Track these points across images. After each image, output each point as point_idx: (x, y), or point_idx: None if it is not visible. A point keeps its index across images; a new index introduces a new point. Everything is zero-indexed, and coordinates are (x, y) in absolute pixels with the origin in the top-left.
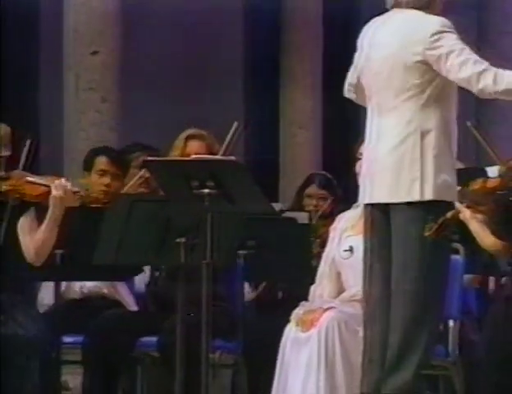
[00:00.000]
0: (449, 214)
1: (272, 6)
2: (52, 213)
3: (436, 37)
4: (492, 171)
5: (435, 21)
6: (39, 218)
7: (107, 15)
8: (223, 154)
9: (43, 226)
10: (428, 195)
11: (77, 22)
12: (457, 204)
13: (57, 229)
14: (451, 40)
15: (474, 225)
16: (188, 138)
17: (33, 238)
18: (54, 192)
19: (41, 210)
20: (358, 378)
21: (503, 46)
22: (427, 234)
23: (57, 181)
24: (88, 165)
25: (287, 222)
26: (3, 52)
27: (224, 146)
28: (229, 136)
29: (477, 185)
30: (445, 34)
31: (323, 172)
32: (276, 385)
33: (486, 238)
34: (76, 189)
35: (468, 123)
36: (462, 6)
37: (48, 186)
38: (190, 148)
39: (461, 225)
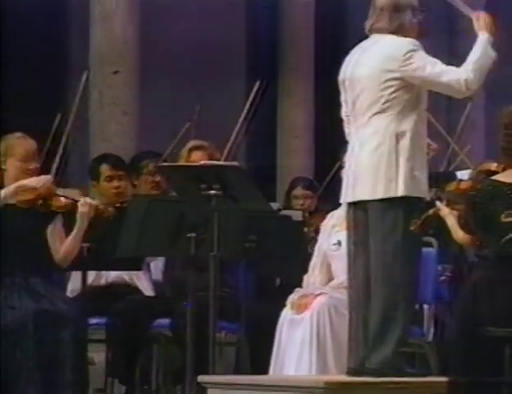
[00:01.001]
0: (431, 211)
1: (270, 34)
2: (80, 226)
3: (408, 55)
4: (462, 174)
5: (406, 42)
6: (65, 225)
7: (127, 39)
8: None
9: (72, 237)
10: (401, 192)
11: (101, 45)
12: (437, 203)
13: (81, 237)
14: (422, 55)
15: (451, 220)
16: (191, 149)
17: (62, 244)
18: (81, 209)
19: (66, 217)
20: (346, 355)
21: None
22: (412, 228)
23: (82, 200)
24: (94, 174)
25: (283, 219)
26: (39, 72)
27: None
28: (230, 141)
29: (452, 186)
30: (415, 52)
31: (306, 176)
32: (273, 361)
33: (459, 232)
34: (97, 203)
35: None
36: (434, 31)
37: (73, 200)
38: (194, 157)
39: (437, 221)
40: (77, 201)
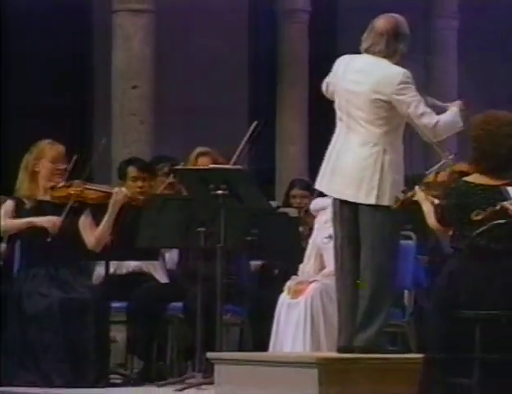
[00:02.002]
0: (409, 194)
1: (269, 55)
2: (112, 212)
3: (401, 86)
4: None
5: (401, 72)
6: (94, 217)
7: (144, 58)
8: (239, 154)
9: (104, 222)
10: (383, 202)
11: (121, 63)
12: (416, 187)
13: (112, 223)
14: (412, 91)
15: (426, 205)
16: (198, 155)
17: (93, 231)
18: (115, 197)
19: (95, 210)
20: (336, 335)
21: (446, 84)
22: (394, 206)
23: (116, 189)
24: (122, 174)
25: (281, 215)
26: (68, 87)
27: (238, 152)
28: (247, 134)
29: (430, 178)
30: (408, 85)
31: (302, 177)
32: (273, 339)
33: (432, 218)
34: (128, 192)
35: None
36: (412, 51)
37: (105, 192)
38: (200, 162)
39: (414, 204)
40: (110, 192)
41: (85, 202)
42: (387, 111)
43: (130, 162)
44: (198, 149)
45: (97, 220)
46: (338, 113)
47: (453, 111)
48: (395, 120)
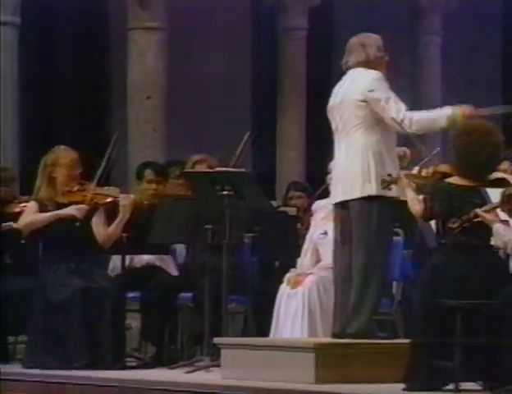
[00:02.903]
0: (393, 178)
1: (271, 71)
2: (122, 217)
3: (372, 86)
4: None
5: (373, 73)
6: (108, 217)
7: (158, 71)
8: (237, 160)
9: (115, 225)
10: (375, 192)
11: (137, 76)
12: (400, 175)
13: (123, 225)
14: (384, 88)
15: (409, 193)
16: (195, 163)
17: (105, 231)
18: (122, 202)
19: (107, 211)
20: (331, 322)
21: (430, 95)
22: (382, 187)
23: (122, 195)
24: (139, 175)
25: (281, 214)
26: (89, 99)
27: (237, 153)
28: (241, 145)
29: (415, 171)
30: (380, 82)
31: (298, 180)
32: (273, 326)
33: (414, 205)
34: (134, 197)
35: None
36: (399, 66)
37: (114, 196)
38: (197, 169)
39: (402, 218)
40: (117, 198)
41: (98, 203)
42: (366, 111)
43: (147, 165)
44: (195, 157)
45: (110, 219)
46: (333, 129)
47: (441, 112)
48: (374, 118)
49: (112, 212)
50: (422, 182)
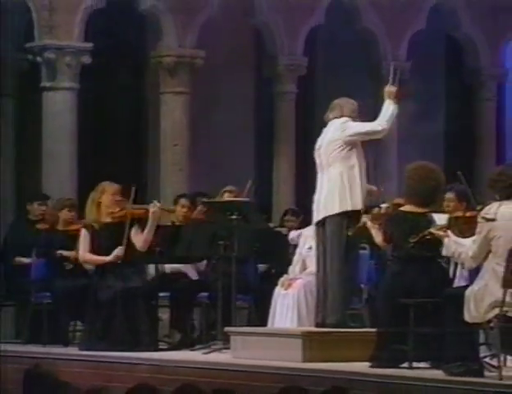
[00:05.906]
0: (361, 224)
1: (269, 125)
2: (152, 222)
3: (344, 125)
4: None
5: (342, 119)
6: (140, 228)
7: (183, 124)
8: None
9: (147, 230)
10: (352, 207)
11: (167, 127)
12: (365, 219)
13: (154, 231)
14: (353, 123)
15: (374, 230)
16: (224, 191)
17: (141, 237)
18: (151, 210)
19: (140, 223)
20: (314, 315)
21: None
22: (349, 234)
23: (151, 204)
24: (175, 202)
25: (277, 233)
26: (129, 147)
27: (245, 192)
28: (246, 190)
29: (376, 211)
30: (348, 122)
31: (293, 207)
32: (270, 319)
33: (378, 237)
34: (161, 205)
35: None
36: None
37: (145, 209)
38: (226, 196)
39: (365, 230)
40: (148, 208)
41: (135, 218)
42: (341, 148)
43: (181, 195)
44: (227, 188)
45: (142, 229)
46: (317, 165)
47: (388, 105)
48: (348, 152)
49: (142, 224)
50: (381, 218)
